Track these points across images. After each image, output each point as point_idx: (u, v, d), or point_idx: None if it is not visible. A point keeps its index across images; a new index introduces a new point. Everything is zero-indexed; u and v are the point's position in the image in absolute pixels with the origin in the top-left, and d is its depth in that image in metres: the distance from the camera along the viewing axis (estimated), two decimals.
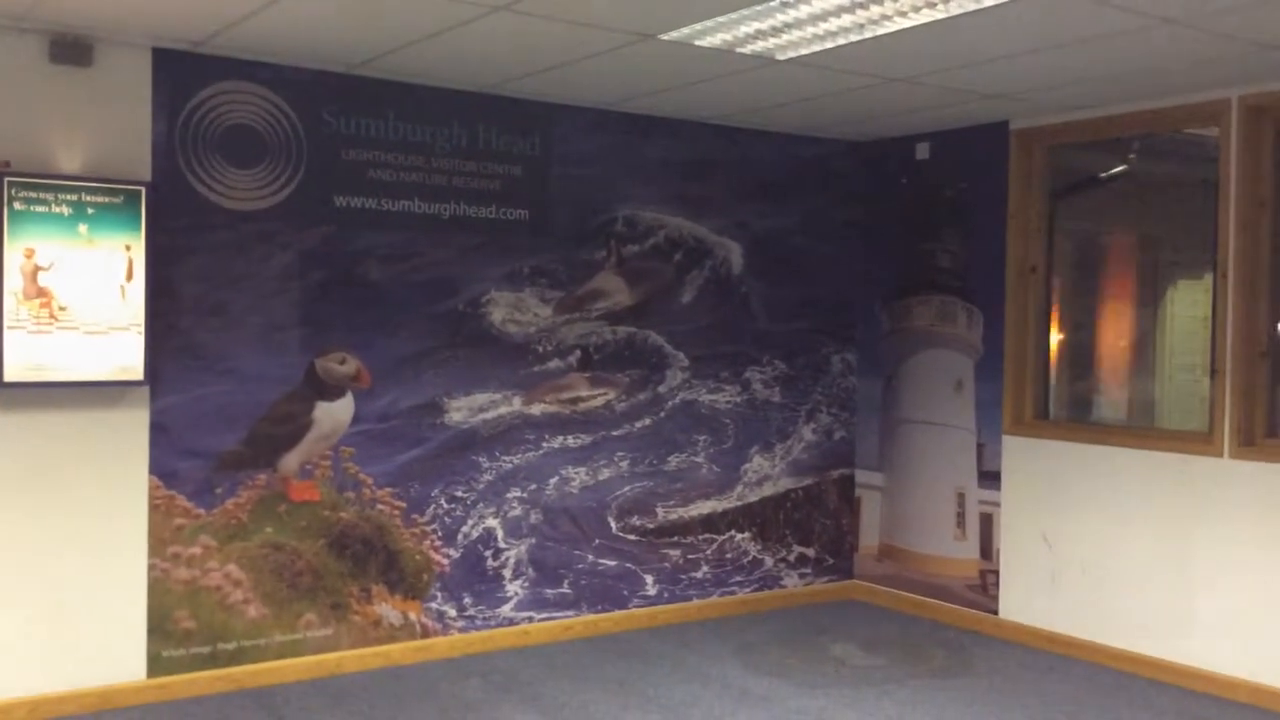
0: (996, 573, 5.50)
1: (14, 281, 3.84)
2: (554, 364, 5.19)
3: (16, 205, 3.84)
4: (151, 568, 4.22)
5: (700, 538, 5.68)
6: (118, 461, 4.15)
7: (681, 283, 5.59)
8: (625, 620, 5.39)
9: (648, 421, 5.49)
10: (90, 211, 3.97)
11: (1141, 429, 5.13)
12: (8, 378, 3.83)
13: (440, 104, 4.81)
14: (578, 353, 5.26)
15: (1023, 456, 5.38)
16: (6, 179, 3.82)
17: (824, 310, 6.06)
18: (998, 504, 5.50)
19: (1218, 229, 4.56)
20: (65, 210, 3.93)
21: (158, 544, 4.24)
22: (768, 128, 5.70)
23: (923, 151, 5.88)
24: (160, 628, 4.24)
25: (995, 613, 5.49)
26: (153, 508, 4.22)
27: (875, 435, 6.16)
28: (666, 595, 5.54)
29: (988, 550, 5.55)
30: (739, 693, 4.52)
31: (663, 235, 5.51)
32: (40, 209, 3.88)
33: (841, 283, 6.13)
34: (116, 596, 4.16)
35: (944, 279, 5.81)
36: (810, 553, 6.08)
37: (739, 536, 5.81)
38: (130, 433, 4.17)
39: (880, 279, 6.08)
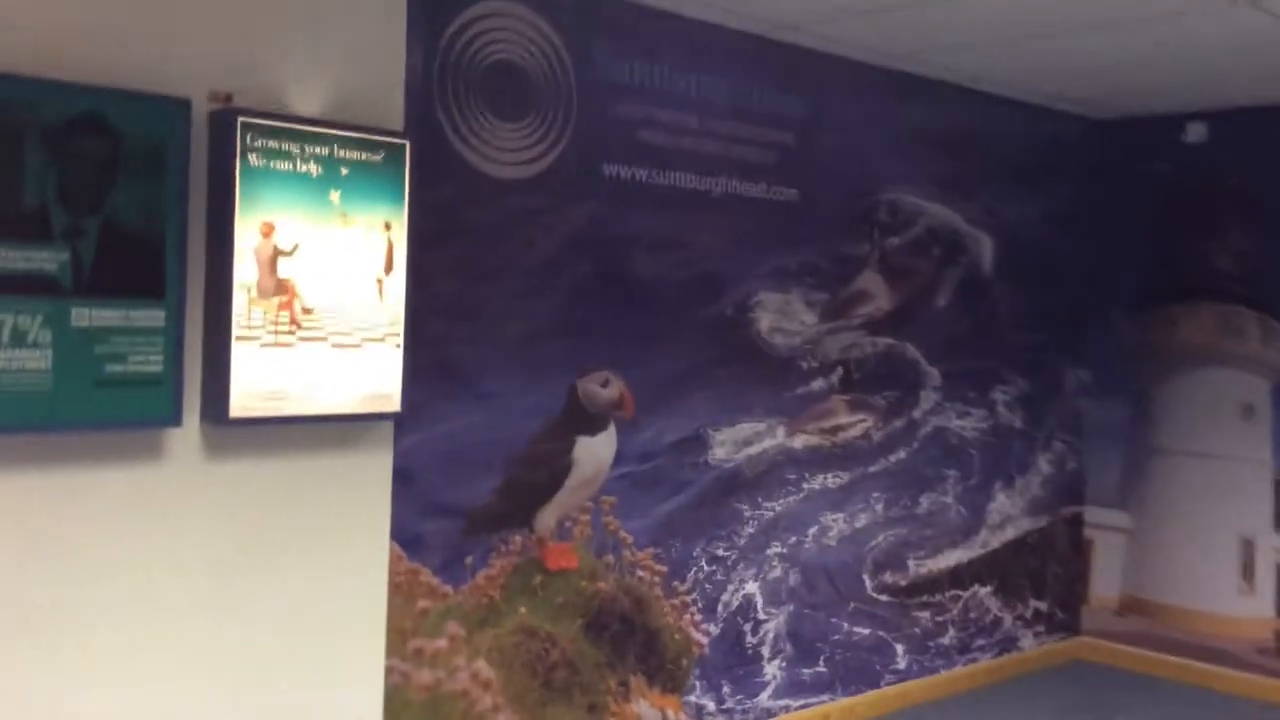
0: None
1: (247, 270, 2.79)
2: (817, 384, 4.35)
3: (252, 159, 2.79)
4: (390, 672, 3.21)
5: (948, 595, 4.92)
6: (353, 526, 3.12)
7: (938, 284, 4.80)
8: (879, 702, 4.59)
9: (903, 454, 4.70)
10: (344, 173, 2.94)
11: None
12: (235, 411, 2.77)
13: (717, 47, 3.90)
14: (840, 370, 4.42)
15: None
16: (241, 120, 2.76)
17: (1061, 319, 5.35)
18: None
19: None
20: (314, 169, 2.89)
21: (397, 638, 3.23)
22: (1018, 95, 4.94)
23: (1195, 133, 5.21)
24: None
25: None
26: (394, 588, 3.22)
27: (1116, 467, 5.49)
28: (915, 668, 4.77)
29: None
30: None
31: (923, 225, 4.71)
32: (282, 166, 2.84)
33: (1080, 286, 5.43)
34: (344, 717, 3.14)
35: (1224, 284, 5.17)
36: (1044, 607, 5.37)
37: (981, 592, 5.07)
38: (370, 485, 3.14)
39: (1125, 282, 5.40)
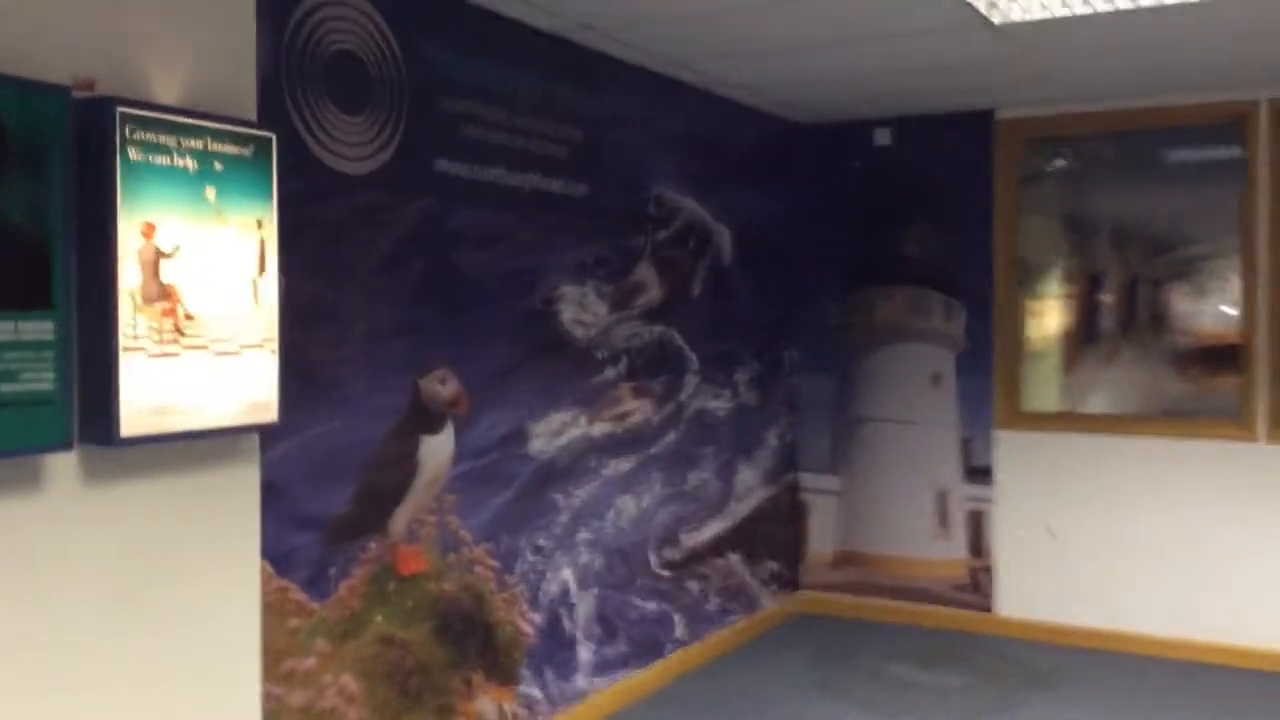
0: (990, 569, 5.78)
1: (131, 276, 2.55)
2: (609, 373, 4.57)
3: (133, 154, 2.55)
4: (266, 697, 3.05)
5: (710, 564, 5.33)
6: (227, 546, 2.93)
7: (694, 274, 5.18)
8: (664, 671, 4.91)
9: (673, 436, 5.03)
10: (219, 168, 2.76)
11: (1161, 418, 5.49)
12: (126, 430, 2.54)
13: (527, 46, 4.00)
14: (625, 359, 4.67)
15: (1019, 451, 5.70)
16: (120, 111, 2.52)
17: (781, 304, 5.93)
18: (990, 500, 5.78)
19: (1246, 227, 5.17)
20: (190, 164, 2.69)
21: (271, 660, 3.08)
22: (749, 101, 5.44)
23: (882, 137, 5.97)
24: None
25: (989, 610, 5.76)
26: (266, 607, 3.06)
27: (826, 436, 6.17)
28: (689, 636, 5.13)
29: (978, 548, 5.82)
30: None
31: (682, 219, 5.06)
32: (161, 160, 2.62)
33: (795, 273, 6.04)
34: None
35: (913, 270, 5.96)
36: (775, 567, 5.95)
37: (733, 558, 5.54)
38: (239, 499, 2.97)
39: (831, 269, 6.08)
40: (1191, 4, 3.68)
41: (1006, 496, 5.74)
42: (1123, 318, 5.71)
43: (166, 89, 2.74)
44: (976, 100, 5.50)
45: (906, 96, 5.40)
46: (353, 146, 3.32)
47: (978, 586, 5.83)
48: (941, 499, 5.93)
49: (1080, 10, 3.76)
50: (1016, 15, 3.87)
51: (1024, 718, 4.51)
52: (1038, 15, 3.84)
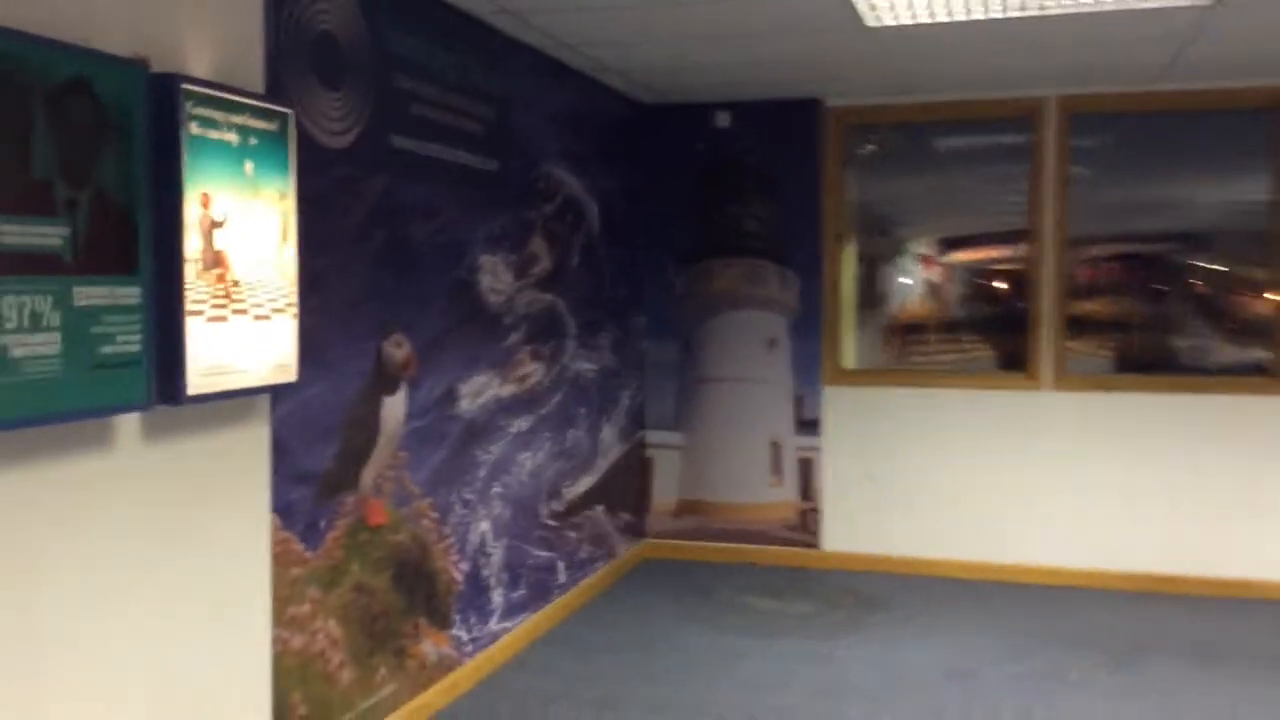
0: (818, 510, 6.53)
1: (194, 243, 2.73)
2: (514, 338, 4.91)
3: (194, 129, 2.72)
4: (275, 641, 3.28)
5: (582, 515, 5.77)
6: (245, 498, 3.14)
7: (572, 246, 5.58)
8: (552, 614, 5.33)
9: (559, 397, 5.43)
10: (253, 142, 2.95)
11: (962, 373, 6.42)
12: (191, 390, 2.72)
13: (455, 27, 4.28)
14: (525, 324, 5.02)
15: (843, 404, 6.46)
16: (183, 87, 2.68)
17: (631, 273, 6.42)
18: (817, 449, 6.52)
19: (1035, 205, 6.10)
20: (233, 138, 2.87)
21: (280, 606, 3.30)
22: (612, 83, 5.88)
23: (723, 119, 6.56)
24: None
25: (816, 546, 6.52)
26: (275, 558, 3.27)
27: (670, 396, 6.73)
28: (568, 581, 5.57)
29: (807, 492, 6.55)
30: (727, 651, 4.93)
31: (563, 194, 5.45)
32: (213, 135, 2.79)
33: (646, 245, 6.54)
34: (241, 688, 3.17)
35: (750, 243, 6.59)
36: (628, 518, 6.47)
37: (598, 510, 6.00)
38: (255, 455, 3.17)
39: (676, 241, 6.61)
40: (1030, 17, 4.40)
41: (832, 445, 6.48)
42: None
43: (200, 66, 2.89)
44: (809, 89, 6.15)
45: (748, 84, 5.96)
46: (333, 121, 3.52)
47: (806, 526, 6.55)
48: (776, 449, 6.61)
49: (946, 18, 4.42)
50: (889, 20, 4.49)
51: (869, 633, 5.23)
52: (907, 20, 4.48)
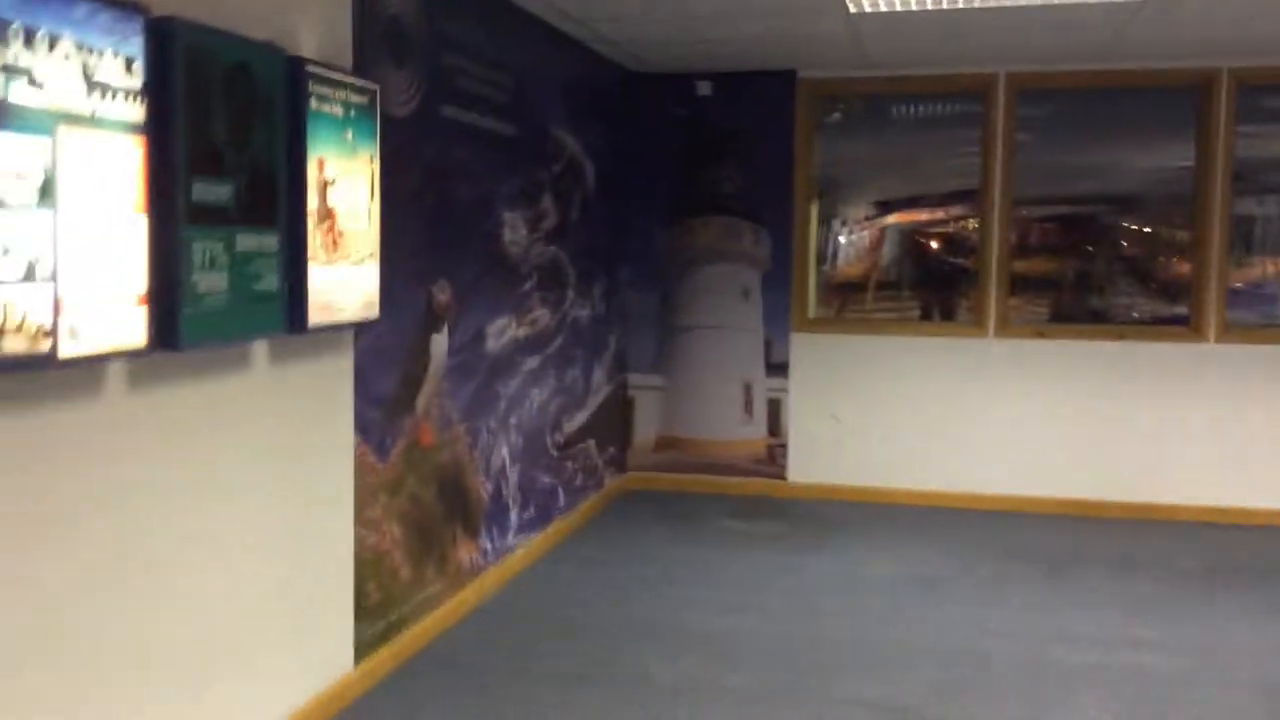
0: (785, 445, 7.23)
1: (313, 200, 3.29)
2: (528, 285, 5.50)
3: (314, 104, 3.27)
4: (356, 539, 3.88)
5: (578, 447, 6.40)
6: (335, 415, 3.72)
7: (573, 202, 6.15)
8: (554, 533, 5.96)
9: (561, 340, 6.03)
10: (352, 114, 3.50)
11: (916, 323, 7.16)
12: (312, 321, 3.30)
13: (482, 1, 4.81)
14: (536, 274, 5.61)
15: (809, 349, 7.14)
16: (307, 69, 3.23)
17: (617, 228, 7.01)
18: (786, 390, 7.20)
19: (985, 172, 6.80)
20: (339, 111, 3.42)
21: (360, 509, 3.89)
22: (607, 53, 6.45)
23: (704, 88, 7.15)
24: (361, 605, 3.93)
25: (783, 478, 7.22)
26: (356, 468, 3.86)
27: (651, 342, 7.36)
28: (565, 506, 6.20)
29: (775, 429, 7.24)
30: (710, 563, 5.62)
31: (566, 155, 6.01)
32: (326, 109, 3.35)
33: (631, 203, 7.13)
34: (329, 579, 3.77)
35: (728, 203, 7.22)
36: (613, 452, 7.11)
37: (590, 444, 6.64)
38: (342, 380, 3.75)
39: (659, 200, 7.22)
40: (993, 7, 5.04)
41: (798, 386, 7.17)
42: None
43: (309, 48, 3.43)
44: (785, 62, 6.75)
45: (729, 56, 6.54)
46: (399, 94, 4.06)
47: (774, 459, 7.25)
48: (747, 390, 7.28)
49: (916, 6, 5.05)
50: (868, 6, 5.10)
51: (834, 550, 5.93)
52: (885, 8, 5.09)
